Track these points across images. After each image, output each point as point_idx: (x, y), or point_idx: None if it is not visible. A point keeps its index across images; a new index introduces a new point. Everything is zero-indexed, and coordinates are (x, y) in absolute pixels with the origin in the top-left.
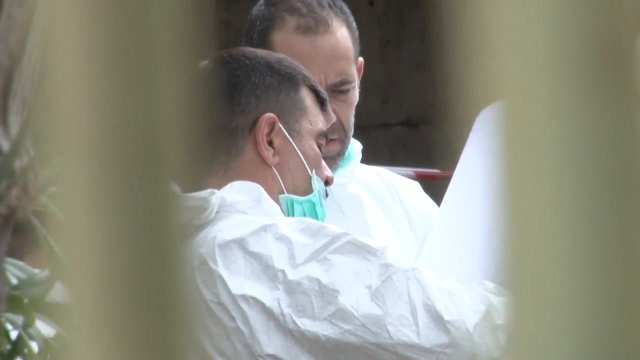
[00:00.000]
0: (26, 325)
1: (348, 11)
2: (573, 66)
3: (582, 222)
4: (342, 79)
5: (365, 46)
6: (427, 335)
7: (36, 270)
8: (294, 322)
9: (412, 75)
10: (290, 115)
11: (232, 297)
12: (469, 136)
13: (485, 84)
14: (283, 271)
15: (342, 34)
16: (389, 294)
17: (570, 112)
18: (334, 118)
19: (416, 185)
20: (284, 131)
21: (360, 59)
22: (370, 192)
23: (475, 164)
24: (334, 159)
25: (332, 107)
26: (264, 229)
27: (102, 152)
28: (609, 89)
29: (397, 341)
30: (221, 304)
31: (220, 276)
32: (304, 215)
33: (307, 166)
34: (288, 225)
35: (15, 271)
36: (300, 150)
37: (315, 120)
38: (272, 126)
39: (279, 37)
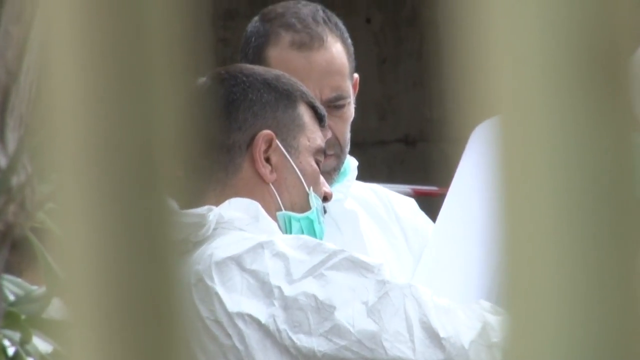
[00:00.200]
0: (23, 342)
1: (343, 27)
2: (569, 82)
3: (578, 236)
4: (337, 95)
5: (362, 63)
6: (422, 352)
7: (33, 287)
8: (290, 338)
9: (409, 92)
10: (288, 131)
11: (229, 314)
12: (465, 151)
13: (482, 102)
14: (279, 287)
15: (337, 50)
16: (385, 310)
17: (566, 127)
18: (329, 134)
19: (412, 202)
20: (282, 148)
21: (356, 75)
22: (367, 209)
23: (471, 178)
24: (330, 174)
25: (328, 123)
26: (261, 245)
27: (99, 169)
28: (604, 104)
29: (393, 357)
30: (218, 322)
31: (216, 293)
32: (302, 232)
33: (304, 183)
34: (285, 242)
35: (12, 287)
36: (297, 167)
37: (314, 136)
38: (270, 143)
39: (274, 52)
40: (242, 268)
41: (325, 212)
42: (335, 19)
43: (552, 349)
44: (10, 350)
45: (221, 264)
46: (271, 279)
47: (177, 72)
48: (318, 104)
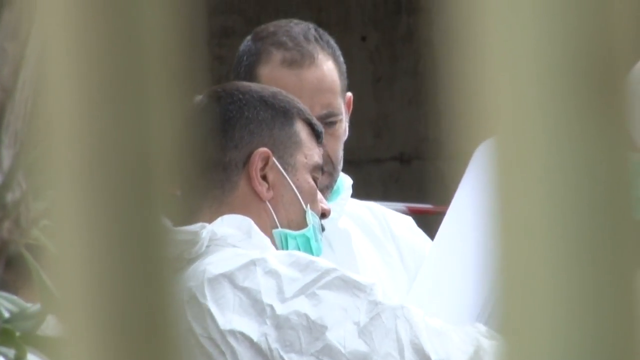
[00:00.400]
0: (18, 359)
1: (335, 45)
2: (565, 99)
3: (574, 253)
4: (328, 112)
5: (357, 81)
6: None
7: (28, 304)
8: (281, 357)
9: (404, 110)
10: (285, 149)
11: (221, 332)
12: (465, 172)
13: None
14: (271, 306)
15: (328, 67)
16: (376, 331)
17: (562, 142)
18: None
19: (409, 220)
20: (278, 165)
21: (349, 93)
22: (362, 227)
23: (470, 200)
24: (323, 192)
25: None
26: (253, 262)
27: (95, 186)
28: (601, 117)
29: None
30: (211, 339)
31: (209, 311)
32: (298, 250)
33: (301, 200)
34: (277, 259)
35: (7, 304)
36: (294, 184)
37: (311, 153)
38: (266, 161)
39: (265, 71)
40: (235, 285)
41: (323, 229)
42: (327, 37)
43: None
44: None
45: (213, 281)
46: (263, 297)
47: (173, 90)
48: (315, 121)
